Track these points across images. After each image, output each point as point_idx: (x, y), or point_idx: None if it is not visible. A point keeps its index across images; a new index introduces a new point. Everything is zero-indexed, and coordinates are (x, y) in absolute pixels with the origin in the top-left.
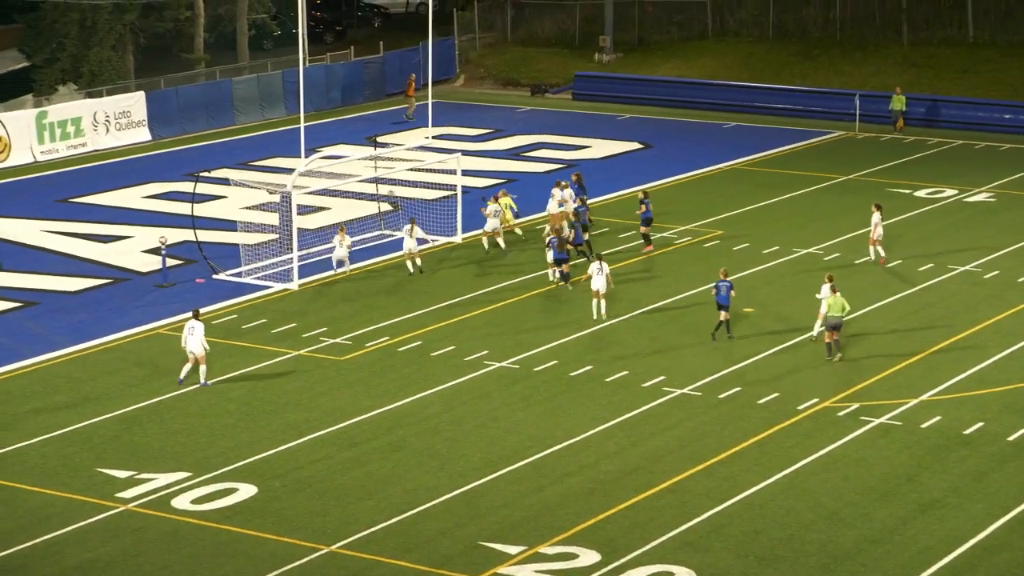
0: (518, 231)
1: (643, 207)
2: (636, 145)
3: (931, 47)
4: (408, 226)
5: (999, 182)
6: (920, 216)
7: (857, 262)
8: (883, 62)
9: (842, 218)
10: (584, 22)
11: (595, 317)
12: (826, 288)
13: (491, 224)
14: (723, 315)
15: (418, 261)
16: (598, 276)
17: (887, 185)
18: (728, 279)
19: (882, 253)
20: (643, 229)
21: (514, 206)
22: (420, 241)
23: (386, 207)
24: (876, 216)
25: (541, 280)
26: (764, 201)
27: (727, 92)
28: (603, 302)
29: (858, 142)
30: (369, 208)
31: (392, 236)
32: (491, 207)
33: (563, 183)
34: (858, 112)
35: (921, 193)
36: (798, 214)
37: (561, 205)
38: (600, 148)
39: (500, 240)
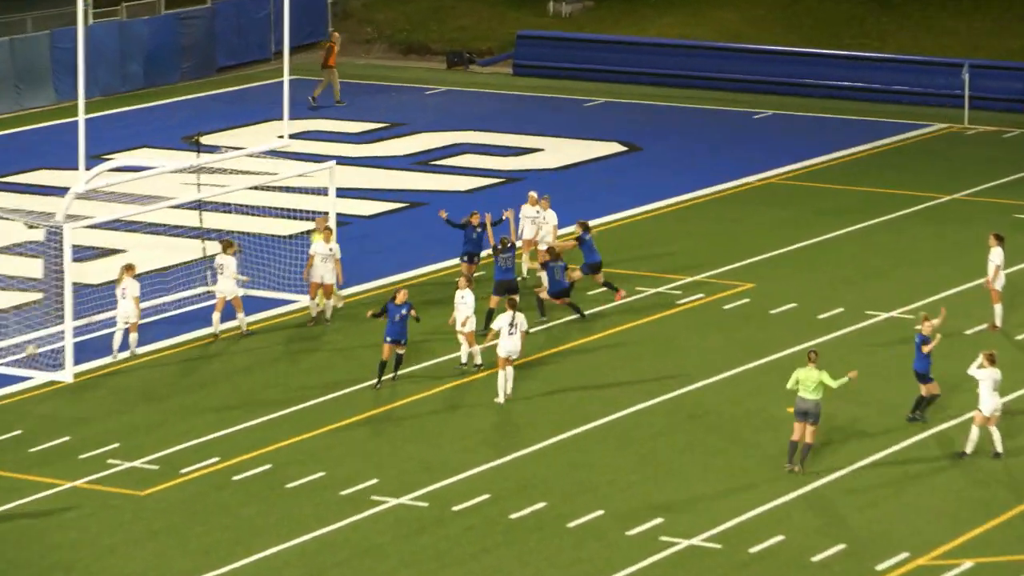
0: (337, 300)
1: (575, 248)
2: (615, 147)
3: None
4: (222, 256)
5: None
6: None
7: (969, 332)
8: (1005, 14)
9: (944, 261)
10: None
11: (500, 398)
12: (988, 374)
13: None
14: (923, 389)
15: (243, 318)
16: (510, 336)
17: (1016, 208)
18: (928, 330)
19: (997, 316)
20: (598, 279)
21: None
22: (239, 282)
23: (216, 248)
24: (996, 253)
25: (453, 364)
26: (818, 235)
27: (758, 63)
28: (511, 374)
29: (968, 140)
30: (189, 250)
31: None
32: (317, 245)
33: (536, 196)
34: (967, 93)
35: None
36: (872, 256)
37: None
38: (558, 152)
39: (329, 304)
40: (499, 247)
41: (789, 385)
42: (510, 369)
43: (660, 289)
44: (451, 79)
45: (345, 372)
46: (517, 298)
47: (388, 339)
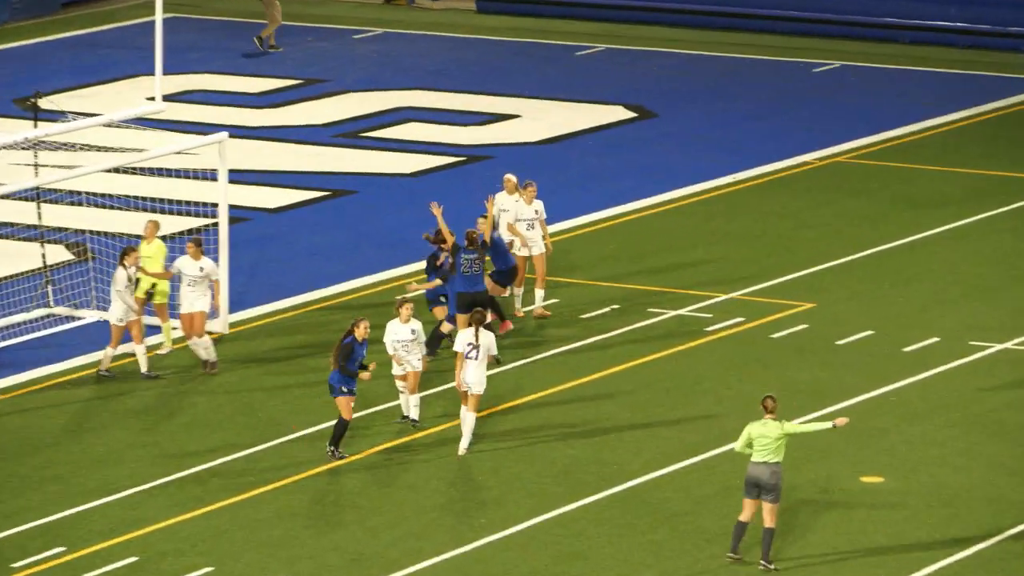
0: (165, 341)
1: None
2: (619, 113)
3: None
4: (126, 270)
5: None
6: None
7: None
8: None
9: None
10: None
11: (462, 451)
12: None
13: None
14: None
15: (109, 353)
16: (467, 362)
17: None
18: None
19: None
20: (493, 289)
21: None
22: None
23: (63, 256)
24: None
25: (388, 415)
26: (903, 236)
27: None
28: (471, 422)
29: None
30: (23, 258)
31: (75, 318)
32: (183, 262)
33: (515, 182)
34: None
35: None
36: (979, 265)
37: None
38: (539, 119)
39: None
40: (461, 246)
41: (738, 446)
42: (471, 415)
43: (682, 311)
44: (390, 17)
45: (241, 428)
46: (488, 313)
47: (344, 389)
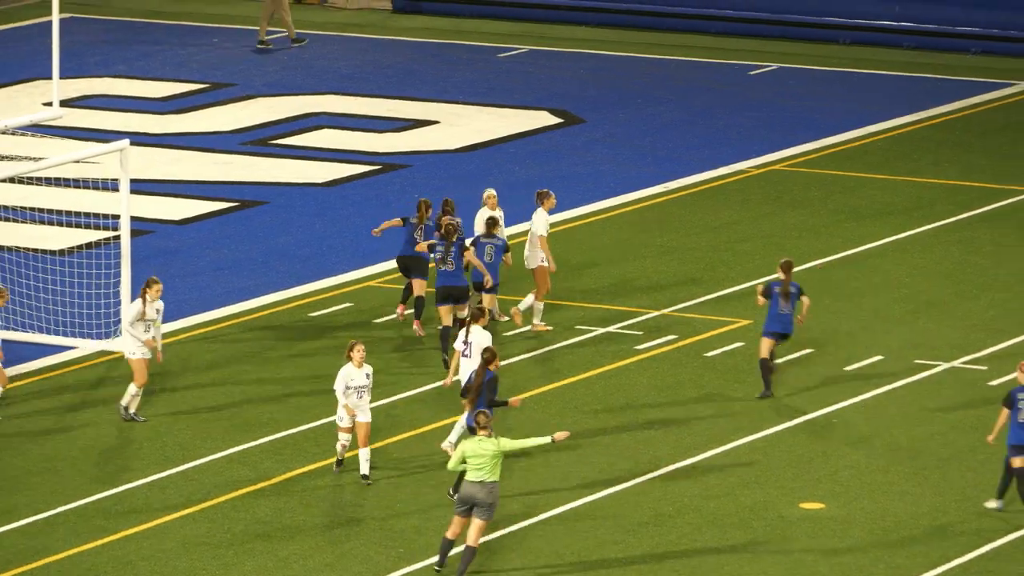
0: None
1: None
2: (544, 118)
3: None
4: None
5: None
6: None
7: None
8: None
9: None
10: None
11: (449, 446)
12: None
13: (131, 343)
14: (1019, 461)
15: (130, 405)
16: (464, 359)
17: None
18: None
19: None
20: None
21: None
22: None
23: None
24: None
25: (299, 439)
26: (845, 248)
27: None
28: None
29: None
30: None
31: None
32: None
33: (496, 196)
34: None
35: None
36: (926, 278)
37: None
38: (458, 125)
39: None
40: (436, 238)
41: (451, 465)
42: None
43: (610, 328)
44: (300, 18)
45: (145, 453)
46: (484, 304)
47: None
